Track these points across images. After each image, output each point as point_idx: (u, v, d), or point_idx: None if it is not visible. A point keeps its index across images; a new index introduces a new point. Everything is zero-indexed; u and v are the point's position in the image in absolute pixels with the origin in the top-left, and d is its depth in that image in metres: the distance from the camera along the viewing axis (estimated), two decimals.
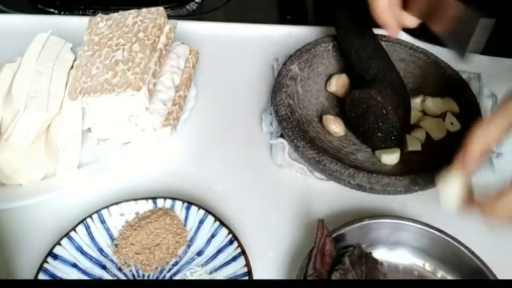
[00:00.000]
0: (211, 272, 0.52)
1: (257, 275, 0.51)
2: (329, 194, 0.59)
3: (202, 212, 0.54)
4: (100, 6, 0.87)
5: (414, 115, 0.62)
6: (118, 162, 0.60)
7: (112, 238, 0.54)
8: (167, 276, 0.52)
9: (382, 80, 0.60)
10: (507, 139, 0.47)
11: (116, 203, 0.55)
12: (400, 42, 0.69)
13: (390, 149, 0.59)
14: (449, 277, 0.51)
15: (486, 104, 0.66)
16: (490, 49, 0.67)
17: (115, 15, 0.64)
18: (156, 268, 0.53)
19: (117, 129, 0.60)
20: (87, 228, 0.53)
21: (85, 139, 0.60)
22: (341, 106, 0.65)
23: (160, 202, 0.55)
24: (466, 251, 0.49)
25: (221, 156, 0.63)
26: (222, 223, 0.53)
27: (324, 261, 0.48)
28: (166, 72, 0.63)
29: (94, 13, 0.84)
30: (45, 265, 0.50)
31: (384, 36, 0.68)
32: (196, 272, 0.52)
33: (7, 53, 0.67)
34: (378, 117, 0.57)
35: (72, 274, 0.51)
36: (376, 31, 0.67)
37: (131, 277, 0.52)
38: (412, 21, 0.58)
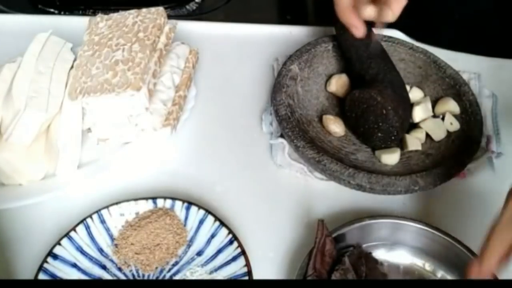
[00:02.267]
0: (211, 272, 0.52)
1: (257, 275, 0.51)
2: (329, 194, 0.59)
3: (202, 212, 0.54)
4: (100, 6, 0.87)
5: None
6: (118, 162, 0.60)
7: (112, 238, 0.54)
8: (167, 276, 0.52)
9: (382, 80, 0.60)
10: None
11: (116, 203, 0.55)
12: (400, 42, 0.68)
13: (390, 149, 0.59)
14: (449, 277, 0.51)
15: (486, 104, 0.66)
16: (490, 49, 0.67)
17: (115, 15, 0.64)
18: (156, 268, 0.53)
19: (117, 129, 0.60)
20: (87, 228, 0.53)
21: (85, 139, 0.60)
22: (341, 106, 0.65)
23: (160, 202, 0.55)
24: (466, 251, 0.49)
25: (221, 156, 0.63)
26: (222, 223, 0.53)
27: (324, 261, 0.48)
28: (166, 72, 0.63)
29: (94, 13, 0.84)
30: (45, 265, 0.50)
31: (384, 36, 0.68)
32: (196, 272, 0.52)
33: (7, 53, 0.67)
34: (378, 117, 0.57)
35: (72, 274, 0.51)
36: (376, 31, 0.67)
37: (131, 277, 0.52)
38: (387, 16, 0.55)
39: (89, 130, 0.61)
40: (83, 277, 0.51)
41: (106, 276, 0.52)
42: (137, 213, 0.55)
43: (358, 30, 0.57)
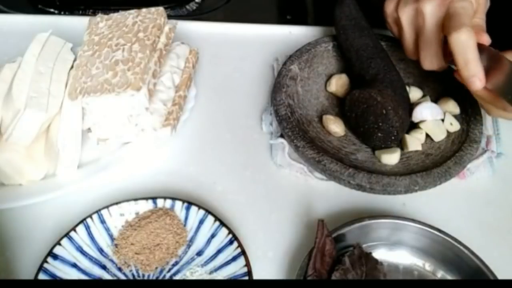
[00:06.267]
0: (211, 272, 0.52)
1: (257, 275, 0.51)
2: (329, 194, 0.59)
3: (202, 212, 0.54)
4: (100, 6, 0.87)
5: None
6: (118, 162, 0.60)
7: (112, 238, 0.54)
8: (167, 276, 0.52)
9: (382, 80, 0.60)
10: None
11: (116, 203, 0.55)
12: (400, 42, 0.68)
13: (390, 149, 0.59)
14: (449, 277, 0.51)
15: None
16: None
17: (115, 15, 0.64)
18: (156, 268, 0.53)
19: (117, 129, 0.60)
20: (87, 228, 0.53)
21: (85, 139, 0.60)
22: (341, 106, 0.65)
23: (160, 202, 0.55)
24: (466, 251, 0.49)
25: (221, 156, 0.63)
26: (222, 223, 0.53)
27: (324, 261, 0.48)
28: (166, 72, 0.63)
29: (94, 13, 0.84)
30: (45, 265, 0.50)
31: (384, 36, 0.68)
32: (196, 272, 0.52)
33: (7, 53, 0.67)
34: (378, 117, 0.57)
35: (72, 274, 0.51)
36: (376, 31, 0.67)
37: (131, 277, 0.52)
38: None
39: (89, 130, 0.61)
40: (83, 277, 0.51)
41: (106, 276, 0.52)
42: (137, 213, 0.55)
43: (482, 82, 0.53)
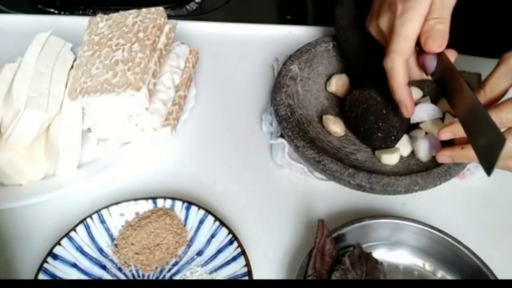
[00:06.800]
0: (211, 272, 0.52)
1: (257, 275, 0.51)
2: (329, 194, 0.59)
3: (202, 212, 0.54)
4: (100, 6, 0.87)
5: None
6: (118, 162, 0.60)
7: (112, 238, 0.54)
8: (167, 276, 0.52)
9: (382, 80, 0.60)
10: None
11: (116, 203, 0.55)
12: None
13: (390, 149, 0.59)
14: (449, 277, 0.51)
15: None
16: (490, 50, 0.68)
17: (115, 15, 0.64)
18: (156, 268, 0.53)
19: (117, 129, 0.60)
20: (87, 228, 0.53)
21: (85, 139, 0.60)
22: (341, 106, 0.65)
23: (160, 202, 0.55)
24: (466, 251, 0.49)
25: (221, 156, 0.63)
26: (222, 223, 0.53)
27: (324, 261, 0.48)
28: (166, 72, 0.63)
29: (94, 13, 0.84)
30: (45, 265, 0.50)
31: None
32: (196, 272, 0.52)
33: (7, 53, 0.67)
34: (378, 117, 0.57)
35: (72, 274, 0.51)
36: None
37: (131, 277, 0.52)
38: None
39: (89, 130, 0.61)
40: (83, 277, 0.51)
41: (106, 276, 0.52)
42: (137, 213, 0.55)
43: (408, 111, 0.55)
